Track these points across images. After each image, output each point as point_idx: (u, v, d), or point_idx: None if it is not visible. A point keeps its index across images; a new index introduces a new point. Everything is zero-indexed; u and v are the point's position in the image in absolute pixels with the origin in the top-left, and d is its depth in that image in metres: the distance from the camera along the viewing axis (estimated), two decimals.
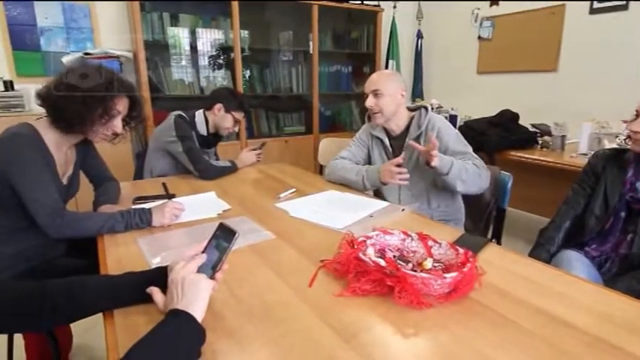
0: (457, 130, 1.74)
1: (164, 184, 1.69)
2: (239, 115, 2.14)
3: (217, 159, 2.28)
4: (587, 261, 1.37)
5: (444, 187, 1.64)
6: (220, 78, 3.54)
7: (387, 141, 1.78)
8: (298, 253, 1.09)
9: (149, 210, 1.27)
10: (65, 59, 2.88)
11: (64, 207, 1.25)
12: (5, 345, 1.70)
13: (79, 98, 1.25)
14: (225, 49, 3.47)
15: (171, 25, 3.23)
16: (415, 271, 0.85)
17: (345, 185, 1.76)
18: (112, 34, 3.17)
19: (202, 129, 2.10)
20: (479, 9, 3.89)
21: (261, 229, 1.25)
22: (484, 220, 1.82)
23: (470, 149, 1.68)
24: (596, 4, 3.07)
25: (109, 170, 1.62)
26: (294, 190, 1.68)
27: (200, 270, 0.78)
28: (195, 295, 0.71)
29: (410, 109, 1.78)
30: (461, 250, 0.93)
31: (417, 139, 1.69)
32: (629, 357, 0.68)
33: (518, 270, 1.00)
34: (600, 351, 0.70)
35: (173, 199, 1.49)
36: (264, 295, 0.88)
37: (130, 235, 1.22)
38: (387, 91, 1.67)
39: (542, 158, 2.44)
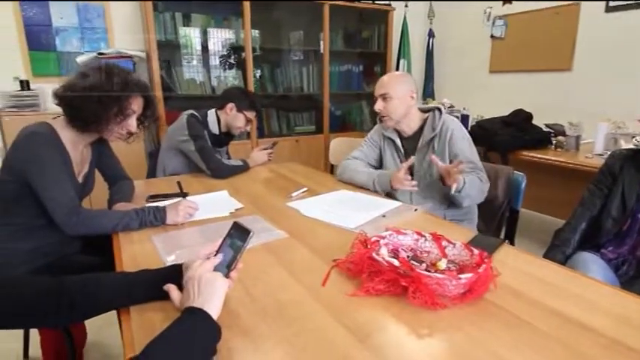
0: (468, 136, 1.72)
1: (179, 183, 1.71)
2: (251, 115, 2.15)
3: (229, 158, 2.29)
4: (603, 263, 1.35)
5: None
6: (231, 77, 3.56)
7: (398, 142, 1.77)
8: (311, 253, 1.09)
9: (163, 208, 1.29)
10: (80, 59, 2.92)
11: (80, 205, 1.27)
12: (21, 340, 1.74)
13: (95, 98, 1.26)
14: (236, 49, 3.49)
15: (184, 25, 3.25)
16: (429, 271, 0.84)
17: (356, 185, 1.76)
18: (126, 34, 3.21)
19: (214, 128, 2.12)
20: (491, 8, 3.85)
21: (274, 228, 1.26)
22: (496, 220, 1.80)
23: (477, 157, 1.68)
24: (612, 3, 3.01)
25: (124, 169, 1.64)
26: (305, 189, 1.68)
27: (215, 269, 0.79)
28: (211, 294, 0.71)
29: (423, 110, 1.77)
30: (475, 251, 0.92)
31: (431, 140, 1.68)
32: None
33: (533, 271, 0.99)
34: (617, 353, 0.69)
35: (186, 198, 1.50)
36: (278, 294, 0.88)
37: (144, 232, 1.23)
38: (396, 94, 1.66)
39: (556, 158, 2.41)
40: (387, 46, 4.05)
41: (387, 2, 3.99)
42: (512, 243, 1.74)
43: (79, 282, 0.82)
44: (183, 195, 1.59)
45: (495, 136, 2.66)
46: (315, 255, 1.08)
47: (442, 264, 0.92)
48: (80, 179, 1.39)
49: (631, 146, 2.10)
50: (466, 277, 0.80)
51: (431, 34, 4.37)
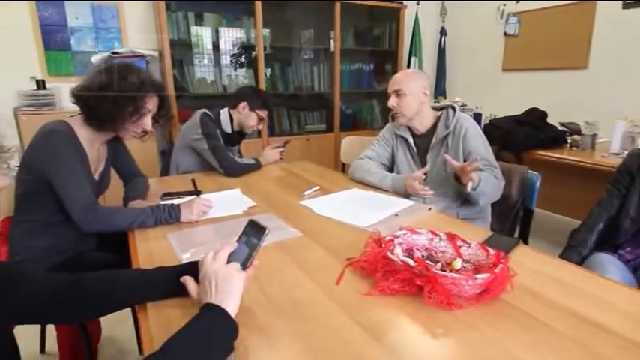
0: (482, 134, 1.70)
1: (193, 181, 1.72)
2: (263, 114, 2.16)
3: (241, 156, 2.30)
4: (621, 264, 1.33)
5: None
6: (242, 77, 3.57)
7: (411, 140, 1.77)
8: (325, 251, 1.09)
9: (178, 206, 1.30)
10: (94, 58, 2.96)
11: (97, 202, 1.29)
12: (38, 335, 1.77)
13: (111, 97, 1.28)
14: (246, 48, 3.50)
15: (196, 25, 3.27)
16: (444, 271, 0.84)
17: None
18: (139, 33, 3.25)
19: (227, 127, 2.13)
20: (505, 5, 3.80)
21: (287, 226, 1.26)
22: (510, 220, 1.78)
23: (492, 155, 1.66)
24: None
25: (138, 167, 1.66)
26: (318, 187, 1.68)
27: (230, 260, 0.79)
28: (228, 291, 0.72)
29: (436, 108, 1.76)
30: (491, 251, 0.91)
31: (445, 138, 1.67)
32: None
33: (550, 271, 0.98)
34: (635, 354, 0.68)
35: (200, 196, 1.51)
36: (293, 292, 0.88)
37: (159, 230, 1.25)
38: (410, 90, 1.66)
39: (571, 158, 2.37)
40: (398, 44, 4.03)
41: (398, 0, 3.96)
42: (525, 243, 1.72)
43: (96, 279, 0.83)
44: (197, 193, 1.60)
45: (509, 135, 2.63)
46: (328, 254, 1.08)
47: (457, 264, 0.92)
48: (96, 177, 1.42)
49: None
50: (482, 277, 0.80)
51: (443, 32, 4.34)
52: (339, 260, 1.02)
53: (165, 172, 2.29)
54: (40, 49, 2.97)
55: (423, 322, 0.77)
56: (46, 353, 1.79)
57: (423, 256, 0.98)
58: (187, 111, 2.75)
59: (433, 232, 1.02)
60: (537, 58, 3.61)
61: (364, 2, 3.77)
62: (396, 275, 0.86)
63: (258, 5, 3.25)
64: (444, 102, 2.65)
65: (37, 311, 0.81)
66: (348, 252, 1.04)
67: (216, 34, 3.36)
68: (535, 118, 2.74)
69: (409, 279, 0.84)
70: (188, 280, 0.79)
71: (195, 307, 0.73)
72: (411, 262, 0.84)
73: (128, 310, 0.87)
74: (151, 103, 1.37)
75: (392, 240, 0.98)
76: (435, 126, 1.72)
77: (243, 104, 2.12)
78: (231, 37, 3.44)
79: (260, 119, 2.17)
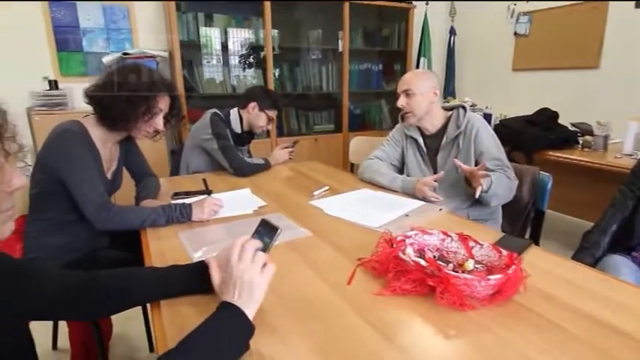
0: (494, 133, 1.69)
1: (204, 180, 1.73)
2: (272, 114, 2.17)
3: (250, 156, 2.31)
4: (634, 266, 1.31)
5: None
6: (250, 77, 3.58)
7: (421, 140, 1.76)
8: (335, 251, 1.10)
9: (189, 205, 1.31)
10: (105, 59, 2.99)
11: (109, 201, 1.31)
12: (50, 332, 1.80)
13: (124, 97, 1.30)
14: (255, 48, 3.51)
15: (205, 25, 3.29)
16: (456, 272, 0.83)
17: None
18: (149, 34, 3.28)
19: (237, 127, 2.14)
20: (515, 4, 3.78)
21: (298, 226, 1.26)
22: (521, 221, 1.76)
23: (504, 154, 1.65)
24: None
25: (150, 166, 1.68)
26: (327, 188, 1.68)
27: None
28: (249, 297, 0.71)
29: (446, 109, 1.75)
30: (504, 252, 0.91)
31: (456, 138, 1.66)
32: None
33: (562, 273, 0.98)
34: None
35: (211, 195, 1.52)
36: (304, 291, 0.88)
37: (171, 228, 1.26)
38: (419, 90, 1.65)
39: (583, 159, 2.34)
40: (407, 44, 4.02)
41: (407, 0, 3.95)
42: (537, 244, 1.71)
43: (111, 276, 0.84)
44: (208, 192, 1.61)
45: (520, 136, 2.61)
46: (339, 254, 1.08)
47: (469, 264, 0.91)
48: (109, 176, 1.43)
49: None
50: (495, 278, 0.79)
51: (452, 32, 4.32)
52: (349, 260, 1.02)
53: (175, 171, 2.31)
54: (52, 49, 3.01)
55: (435, 323, 0.77)
56: (58, 350, 1.81)
57: (434, 256, 0.98)
58: (197, 111, 2.77)
59: (445, 233, 1.02)
60: (548, 58, 3.58)
61: (373, 2, 3.76)
62: (408, 275, 0.86)
63: (267, 5, 3.27)
64: (453, 102, 2.64)
65: (52, 308, 0.82)
66: (359, 252, 1.04)
67: (225, 34, 3.38)
68: (546, 118, 2.72)
69: (421, 279, 0.84)
70: (214, 270, 0.78)
71: (211, 302, 0.73)
72: (423, 262, 0.84)
73: (139, 307, 0.87)
74: (163, 103, 1.39)
75: (403, 240, 0.97)
76: (445, 126, 1.72)
77: (252, 104, 2.13)
78: (240, 37, 3.46)
79: (269, 119, 2.18)
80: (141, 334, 1.84)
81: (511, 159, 2.25)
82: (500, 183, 1.52)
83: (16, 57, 2.88)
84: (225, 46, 3.41)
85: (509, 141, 2.60)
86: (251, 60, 3.55)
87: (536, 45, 3.66)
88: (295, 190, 1.74)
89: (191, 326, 0.69)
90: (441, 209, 1.43)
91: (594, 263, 1.36)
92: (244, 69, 3.57)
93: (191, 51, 3.29)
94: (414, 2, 3.94)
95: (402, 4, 3.89)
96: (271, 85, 3.44)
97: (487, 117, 3.04)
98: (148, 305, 0.87)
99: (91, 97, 1.33)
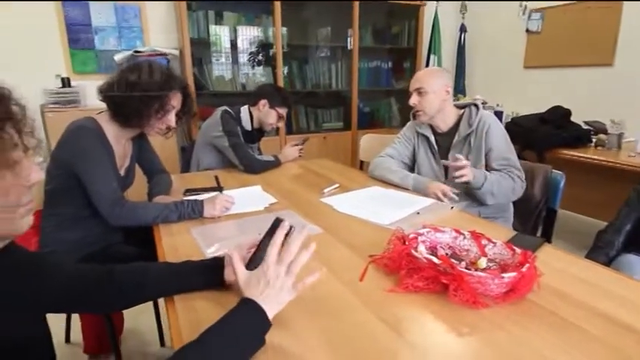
0: (505, 132, 1.68)
1: (216, 177, 1.74)
2: (283, 111, 2.18)
3: (260, 153, 2.32)
4: None
5: None
6: (259, 75, 3.59)
7: (432, 138, 1.75)
8: (347, 248, 1.10)
9: (201, 202, 1.32)
10: (117, 57, 3.03)
11: (123, 197, 1.32)
12: (63, 325, 1.82)
13: (137, 94, 1.30)
14: (264, 46, 3.52)
15: (216, 24, 3.31)
16: (469, 269, 0.83)
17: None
18: (160, 32, 3.30)
19: (247, 124, 2.15)
20: (527, 1, 3.73)
21: (309, 223, 1.27)
22: (533, 220, 1.75)
23: (514, 155, 1.64)
24: None
25: (162, 163, 1.69)
26: (337, 185, 1.68)
27: (254, 262, 0.80)
28: (275, 300, 0.71)
29: (458, 107, 1.74)
30: (518, 250, 0.90)
31: (467, 137, 1.65)
32: None
33: (576, 272, 0.97)
34: None
35: (222, 192, 1.53)
36: (316, 288, 0.88)
37: (183, 225, 1.27)
38: (431, 88, 1.65)
39: (596, 157, 2.32)
40: (417, 42, 4.00)
41: None
42: (549, 243, 1.69)
43: (126, 270, 0.86)
44: (219, 189, 1.62)
45: (532, 134, 2.58)
46: (350, 251, 1.08)
47: (482, 262, 0.91)
48: (122, 172, 1.45)
49: None
50: (509, 276, 0.79)
51: (463, 29, 4.28)
52: (361, 257, 1.03)
53: (185, 168, 2.33)
54: (65, 48, 3.05)
55: (448, 321, 0.77)
56: (71, 343, 1.84)
57: (446, 254, 0.97)
58: (206, 108, 2.78)
59: (457, 231, 1.01)
60: (561, 55, 3.53)
61: (383, 0, 3.74)
62: (420, 273, 0.86)
63: (277, 4, 3.27)
64: (464, 100, 2.62)
65: (69, 301, 0.84)
66: (371, 249, 1.04)
67: (235, 32, 3.39)
68: (558, 116, 2.68)
69: (434, 277, 0.84)
70: (238, 265, 0.77)
71: (225, 297, 0.73)
72: (436, 260, 0.84)
73: (150, 302, 0.88)
74: (176, 100, 1.40)
75: (415, 238, 0.97)
76: (457, 124, 1.70)
77: (263, 102, 2.14)
78: (249, 35, 3.47)
79: (280, 117, 2.19)
80: (152, 328, 1.86)
81: (522, 158, 2.24)
82: (500, 183, 1.53)
83: (30, 55, 2.92)
84: (234, 44, 3.42)
85: (520, 139, 2.57)
86: (260, 58, 3.56)
87: (549, 42, 3.62)
88: (305, 187, 1.74)
89: (205, 320, 0.70)
90: (452, 207, 1.42)
91: (608, 263, 1.34)
92: (253, 67, 3.58)
93: (201, 49, 3.30)
94: (424, 0, 3.91)
95: (412, 2, 3.87)
96: (281, 83, 3.45)
97: (498, 115, 3.01)
98: (160, 300, 0.88)
99: (105, 94, 1.34)
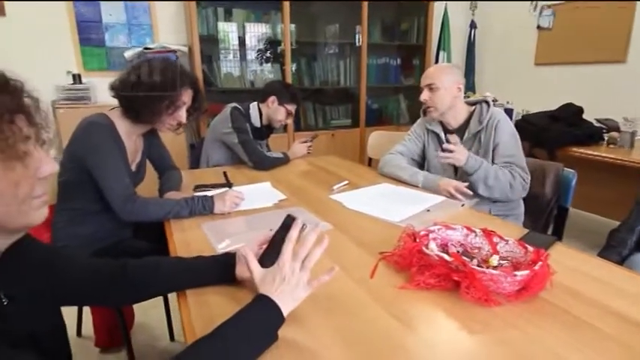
0: (515, 130, 1.67)
1: (225, 173, 1.75)
2: (292, 108, 2.18)
3: (269, 150, 2.33)
4: None
5: None
6: (267, 72, 3.59)
7: (442, 135, 1.74)
8: (357, 245, 1.10)
9: (211, 198, 1.33)
10: (127, 54, 3.05)
11: (135, 193, 1.33)
12: (75, 319, 1.85)
13: (148, 90, 1.31)
14: (272, 43, 3.51)
15: (225, 20, 3.31)
16: (481, 267, 0.83)
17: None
18: (170, 29, 3.32)
19: (256, 121, 2.16)
20: (539, 0, 3.68)
21: (319, 220, 1.27)
22: (544, 218, 1.74)
23: (520, 154, 1.62)
24: None
25: (172, 159, 1.70)
26: (347, 182, 1.68)
27: (267, 258, 0.81)
28: (290, 297, 0.72)
29: (469, 104, 1.73)
30: (530, 248, 0.89)
31: (478, 133, 1.64)
32: None
33: (588, 270, 0.96)
34: None
35: (232, 188, 1.54)
36: (328, 285, 0.88)
37: (194, 220, 1.28)
38: (442, 85, 1.64)
39: (608, 155, 2.29)
40: (426, 39, 3.96)
41: None
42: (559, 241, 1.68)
43: (140, 265, 0.87)
44: (229, 185, 1.63)
45: (543, 132, 2.55)
46: (361, 247, 1.08)
47: (494, 260, 0.90)
48: (133, 168, 1.46)
49: None
50: (522, 274, 0.78)
51: (473, 26, 4.24)
52: (371, 254, 1.03)
53: (194, 165, 2.34)
54: (76, 45, 3.08)
55: (460, 318, 0.77)
56: (83, 337, 1.86)
57: (458, 251, 0.97)
58: (215, 105, 2.79)
59: (468, 228, 1.01)
60: (572, 52, 3.49)
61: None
62: (432, 270, 0.86)
63: (286, 4, 3.27)
64: (474, 97, 2.59)
65: (83, 294, 0.85)
66: (381, 246, 1.04)
67: (243, 29, 3.39)
68: (570, 113, 2.65)
69: (445, 274, 0.84)
70: (252, 262, 0.77)
71: (237, 292, 0.73)
72: (447, 257, 0.83)
73: (159, 297, 0.89)
74: (186, 96, 1.41)
75: (426, 235, 0.97)
76: (467, 121, 1.69)
77: (272, 98, 2.14)
78: (258, 32, 3.47)
79: (288, 113, 2.19)
80: (162, 323, 1.88)
81: (533, 155, 2.22)
82: (497, 175, 1.54)
83: (42, 52, 2.95)
84: (243, 41, 3.42)
85: (531, 137, 2.55)
86: (268, 55, 3.56)
87: (560, 38, 3.57)
88: (315, 184, 1.74)
89: (218, 315, 0.71)
90: (463, 205, 1.41)
91: (621, 261, 1.33)
92: (262, 63, 3.58)
93: (210, 46, 3.31)
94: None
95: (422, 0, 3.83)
96: (289, 80, 3.45)
97: (508, 112, 2.97)
98: (170, 295, 0.88)
99: (117, 90, 1.35)
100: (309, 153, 2.27)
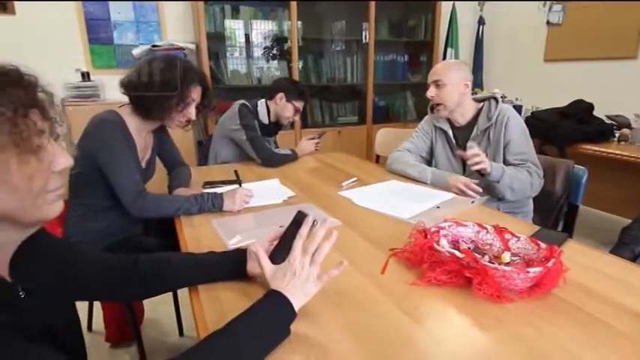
0: (525, 127, 1.65)
1: (236, 172, 1.74)
2: (299, 105, 2.18)
3: (277, 147, 2.33)
4: None
5: None
6: (274, 69, 3.59)
7: (450, 132, 1.73)
8: (367, 241, 1.10)
9: (220, 195, 1.33)
10: (135, 51, 3.06)
11: (145, 189, 1.34)
12: (85, 314, 1.87)
13: (158, 87, 1.32)
14: (279, 40, 3.51)
15: (232, 18, 3.32)
16: (493, 263, 0.82)
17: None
18: (177, 27, 3.33)
19: (264, 118, 2.16)
20: None
21: (328, 216, 1.27)
22: (554, 216, 1.72)
23: (531, 150, 1.61)
24: None
25: (181, 156, 1.71)
26: (355, 179, 1.68)
27: (277, 254, 0.81)
28: (301, 292, 0.72)
29: (477, 100, 1.72)
30: (543, 245, 0.89)
31: (486, 130, 1.63)
32: None
33: (601, 267, 0.96)
34: None
35: (241, 186, 1.54)
36: (338, 280, 0.88)
37: (204, 217, 1.28)
38: (450, 81, 1.62)
39: (619, 152, 2.26)
40: (433, 35, 3.94)
41: None
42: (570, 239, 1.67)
43: (151, 260, 0.87)
44: (238, 183, 1.63)
45: (553, 129, 2.52)
46: (371, 244, 1.08)
47: (506, 257, 0.90)
48: (143, 164, 1.47)
49: None
50: (535, 270, 0.78)
51: (481, 22, 4.20)
52: (381, 250, 1.02)
53: (203, 161, 2.35)
54: (85, 43, 3.10)
55: (472, 314, 0.76)
56: (93, 332, 1.88)
57: (469, 248, 0.97)
58: (223, 102, 2.80)
59: (479, 225, 1.00)
60: (582, 48, 3.44)
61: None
62: (443, 266, 0.85)
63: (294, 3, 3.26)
64: (482, 94, 2.58)
65: (95, 289, 0.86)
66: (390, 242, 1.04)
67: (250, 26, 3.40)
68: (580, 110, 2.62)
69: (457, 271, 0.83)
70: (263, 259, 0.78)
71: (248, 288, 0.73)
72: (459, 253, 0.83)
73: (169, 293, 0.89)
74: (196, 93, 1.42)
75: (437, 231, 0.97)
76: (475, 118, 1.68)
77: (280, 95, 2.14)
78: (265, 29, 3.47)
79: (296, 110, 2.19)
80: (171, 318, 1.89)
81: (543, 152, 2.20)
82: (516, 177, 1.51)
83: (51, 50, 2.98)
84: (250, 38, 3.42)
85: (541, 134, 2.53)
86: (275, 52, 3.56)
87: (570, 34, 3.53)
88: (323, 180, 1.74)
89: (230, 311, 0.71)
90: (473, 202, 1.41)
91: (634, 259, 1.32)
92: (268, 61, 3.58)
93: (217, 43, 3.32)
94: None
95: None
96: (296, 77, 3.44)
97: (517, 109, 2.96)
98: (179, 290, 0.89)
99: (127, 87, 1.36)
100: (316, 150, 2.27)
